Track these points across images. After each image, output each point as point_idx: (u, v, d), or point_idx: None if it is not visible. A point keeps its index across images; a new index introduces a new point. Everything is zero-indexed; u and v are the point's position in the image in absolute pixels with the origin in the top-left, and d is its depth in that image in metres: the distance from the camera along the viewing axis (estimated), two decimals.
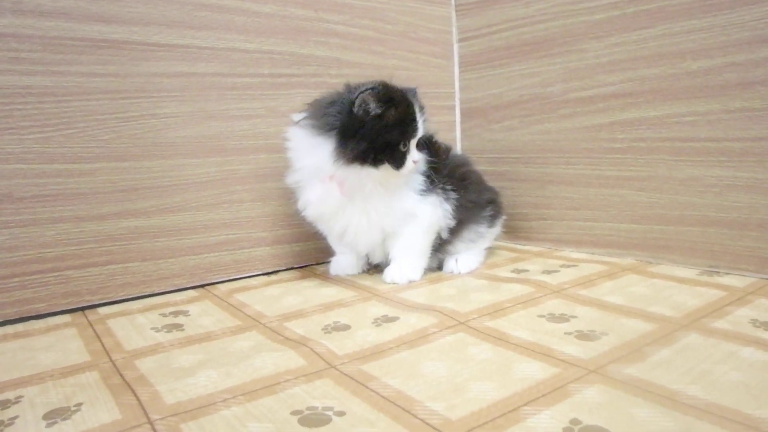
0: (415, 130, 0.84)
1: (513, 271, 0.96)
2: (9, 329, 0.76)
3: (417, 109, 0.85)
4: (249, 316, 0.77)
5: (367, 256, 0.99)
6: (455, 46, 1.31)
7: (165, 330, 0.73)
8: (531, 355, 0.59)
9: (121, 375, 0.59)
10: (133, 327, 0.75)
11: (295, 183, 0.89)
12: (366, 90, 0.79)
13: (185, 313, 0.80)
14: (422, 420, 0.46)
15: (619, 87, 1.00)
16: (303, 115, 0.85)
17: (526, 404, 0.48)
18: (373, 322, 0.72)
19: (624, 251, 1.02)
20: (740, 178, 0.86)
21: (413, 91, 0.88)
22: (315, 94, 0.88)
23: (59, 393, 0.55)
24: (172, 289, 0.92)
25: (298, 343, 0.65)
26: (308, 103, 0.86)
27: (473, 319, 0.71)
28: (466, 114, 1.32)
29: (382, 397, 0.51)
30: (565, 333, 0.65)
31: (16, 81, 0.77)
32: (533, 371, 0.55)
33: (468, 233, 0.97)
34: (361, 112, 0.80)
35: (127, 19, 0.85)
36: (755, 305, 0.72)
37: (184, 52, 0.91)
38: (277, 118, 1.00)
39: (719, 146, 0.88)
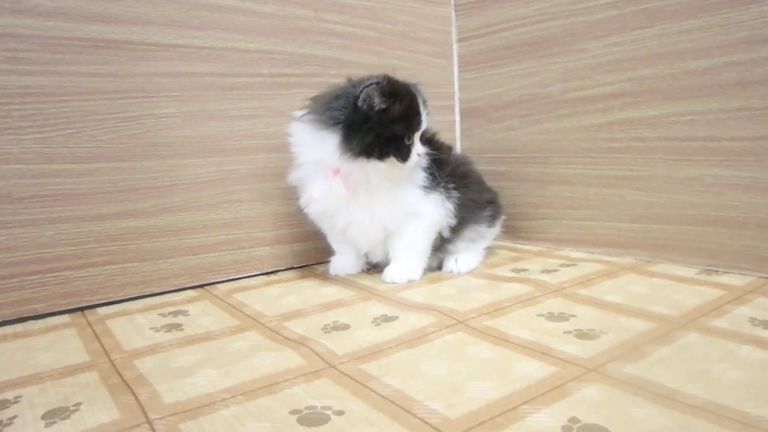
0: (419, 123, 0.85)
1: (512, 271, 0.96)
2: (8, 330, 0.76)
3: (420, 103, 0.85)
4: (248, 316, 0.77)
5: (367, 256, 0.99)
6: (455, 46, 1.31)
7: (164, 330, 0.73)
8: (530, 354, 0.59)
9: (120, 375, 0.59)
10: (132, 327, 0.75)
11: (298, 180, 0.89)
12: (371, 84, 0.79)
13: (184, 313, 0.80)
14: (421, 419, 0.46)
15: (618, 87, 1.00)
16: (305, 111, 0.85)
17: (525, 403, 0.48)
18: (372, 322, 0.72)
19: (623, 250, 1.02)
20: (739, 178, 0.86)
21: (415, 86, 0.88)
22: (315, 93, 0.88)
23: (58, 393, 0.55)
24: (171, 289, 0.92)
25: (298, 343, 0.65)
26: (310, 99, 0.86)
27: (472, 318, 0.71)
28: (465, 114, 1.32)
29: (382, 396, 0.51)
30: (565, 332, 0.65)
31: (14, 81, 0.77)
32: (532, 370, 0.55)
33: (469, 232, 0.97)
34: (365, 106, 0.80)
35: (127, 18, 0.85)
36: (754, 304, 0.72)
37: (184, 52, 0.91)
38: (277, 117, 1.00)
39: (718, 146, 0.88)
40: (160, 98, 0.89)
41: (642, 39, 0.95)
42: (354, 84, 0.82)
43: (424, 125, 0.86)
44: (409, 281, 0.92)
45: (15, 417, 0.50)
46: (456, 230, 0.94)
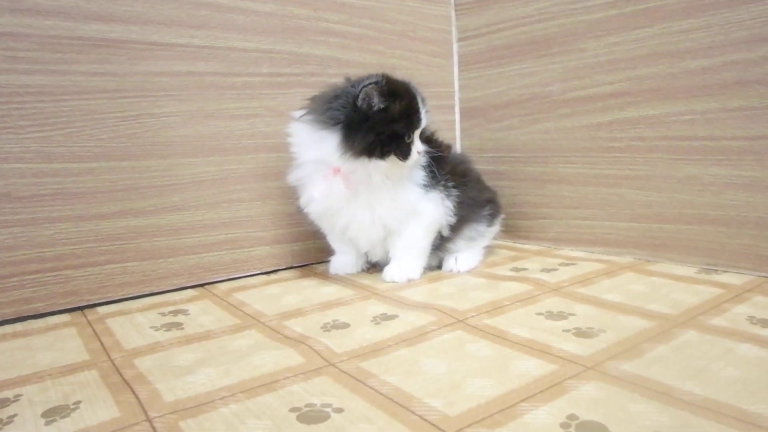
0: (419, 121, 0.85)
1: (512, 270, 0.96)
2: (8, 329, 0.76)
3: (419, 101, 0.85)
4: (248, 314, 0.77)
5: (367, 255, 0.99)
6: (454, 46, 1.31)
7: (164, 329, 0.73)
8: (529, 352, 0.59)
9: (120, 373, 0.59)
10: (132, 326, 0.75)
11: (297, 180, 0.89)
12: (369, 84, 0.79)
13: (184, 312, 0.80)
14: (420, 416, 0.47)
15: (618, 86, 1.00)
16: (304, 111, 0.85)
17: (523, 400, 0.49)
18: (372, 321, 0.72)
19: (622, 249, 1.03)
20: (738, 177, 0.86)
21: (412, 84, 0.89)
22: (314, 93, 0.88)
23: (58, 391, 0.55)
24: (171, 288, 0.92)
25: (297, 342, 0.65)
26: (308, 99, 0.87)
27: (472, 317, 0.71)
28: (465, 113, 1.32)
29: (381, 394, 0.51)
30: (563, 330, 0.65)
31: (14, 80, 0.78)
32: (531, 368, 0.55)
33: (468, 231, 0.97)
34: (364, 105, 0.80)
35: (126, 18, 0.86)
36: (752, 302, 0.72)
37: (183, 51, 0.91)
38: (276, 117, 1.00)
39: (717, 145, 0.88)
40: (159, 97, 0.89)
41: (642, 38, 0.95)
42: (353, 83, 0.82)
43: (424, 123, 0.86)
44: (409, 280, 0.92)
45: (15, 415, 0.50)
46: (456, 229, 0.94)
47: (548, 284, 0.85)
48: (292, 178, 0.90)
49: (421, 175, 0.90)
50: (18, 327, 0.77)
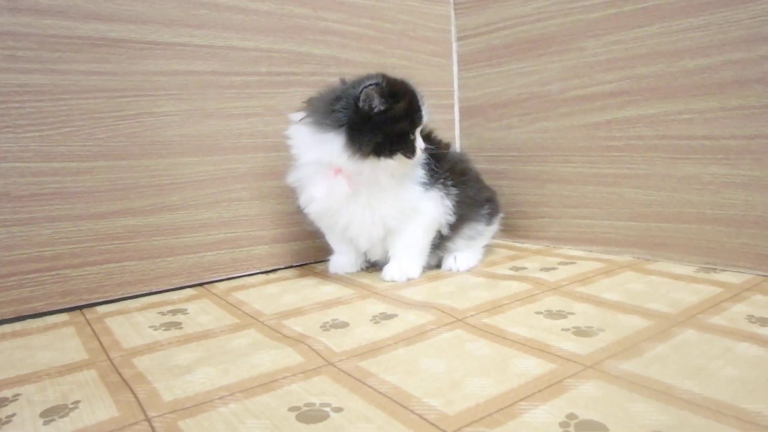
0: (420, 118, 0.86)
1: (511, 269, 0.96)
2: (7, 328, 0.76)
3: (419, 98, 0.86)
4: (247, 314, 0.77)
5: (366, 254, 0.99)
6: (454, 45, 1.31)
7: (163, 328, 0.73)
8: (528, 351, 0.59)
9: (118, 373, 0.59)
10: (131, 325, 0.75)
11: (297, 181, 0.89)
12: (370, 85, 0.79)
13: (183, 312, 0.80)
14: (419, 415, 0.47)
15: (617, 85, 1.00)
16: (304, 114, 0.85)
17: (522, 399, 0.49)
18: (371, 320, 0.72)
19: (621, 248, 1.03)
20: (737, 176, 0.86)
21: (409, 82, 0.89)
22: (313, 92, 0.87)
23: (57, 391, 0.55)
24: (170, 287, 0.92)
25: (296, 341, 0.65)
26: (305, 101, 0.86)
27: (471, 316, 0.71)
28: (465, 112, 1.32)
29: (380, 393, 0.51)
30: (563, 329, 0.65)
31: (13, 79, 0.77)
32: (530, 367, 0.55)
33: (467, 230, 0.97)
34: (366, 106, 0.80)
35: (125, 17, 0.85)
36: (751, 301, 0.72)
37: (182, 51, 0.91)
38: (275, 116, 1.00)
39: (716, 144, 0.88)
40: (158, 97, 0.89)
41: (640, 37, 0.95)
42: (352, 84, 0.82)
43: (425, 119, 0.87)
44: (408, 279, 0.92)
45: (13, 415, 0.50)
46: (455, 228, 0.94)
47: (547, 283, 0.85)
48: (292, 178, 0.90)
49: (420, 174, 0.90)
50: (16, 326, 0.77)
